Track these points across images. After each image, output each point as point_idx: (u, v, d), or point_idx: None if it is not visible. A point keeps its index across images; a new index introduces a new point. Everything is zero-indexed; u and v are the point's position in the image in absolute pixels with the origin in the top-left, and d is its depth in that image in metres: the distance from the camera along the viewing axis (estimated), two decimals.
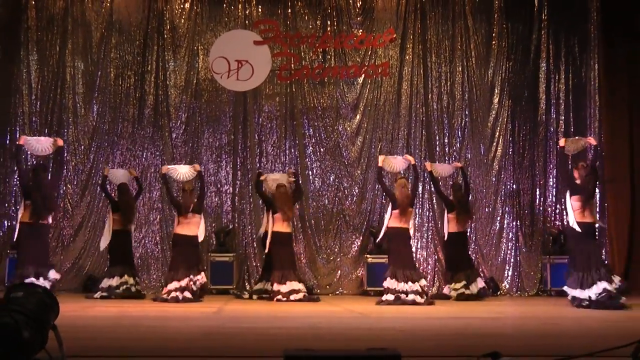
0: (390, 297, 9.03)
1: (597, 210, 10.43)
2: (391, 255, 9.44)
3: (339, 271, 11.65)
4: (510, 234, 11.68)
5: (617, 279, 8.42)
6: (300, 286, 9.71)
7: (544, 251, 11.48)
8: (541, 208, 11.75)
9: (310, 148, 12.02)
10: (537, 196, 11.77)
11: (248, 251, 11.64)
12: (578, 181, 8.73)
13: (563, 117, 11.96)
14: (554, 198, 11.82)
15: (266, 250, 10.00)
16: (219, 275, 10.81)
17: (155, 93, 11.98)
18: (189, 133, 11.97)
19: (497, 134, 11.98)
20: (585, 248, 8.48)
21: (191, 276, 9.31)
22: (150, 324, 6.61)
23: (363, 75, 12.12)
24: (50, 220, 9.24)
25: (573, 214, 8.54)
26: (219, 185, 11.86)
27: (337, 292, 11.48)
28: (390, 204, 9.48)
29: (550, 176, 11.85)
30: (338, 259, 11.71)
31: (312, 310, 8.46)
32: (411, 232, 9.51)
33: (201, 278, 9.47)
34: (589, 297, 8.31)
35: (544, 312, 8.48)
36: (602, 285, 8.25)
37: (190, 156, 11.90)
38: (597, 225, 9.00)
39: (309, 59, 12.11)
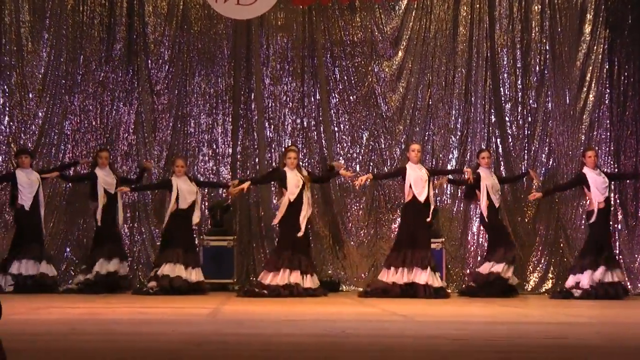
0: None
1: None
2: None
3: (374, 259, 11.66)
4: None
5: None
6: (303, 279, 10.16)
7: None
8: None
9: (337, 96, 11.98)
10: None
11: (253, 233, 11.67)
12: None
13: None
14: None
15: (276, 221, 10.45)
16: (215, 265, 10.85)
17: (128, 23, 11.95)
18: (173, 76, 11.97)
19: (589, 76, 11.86)
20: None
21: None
22: (123, 330, 6.62)
23: None
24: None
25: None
26: (214, 146, 11.88)
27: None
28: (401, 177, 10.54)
29: None
30: (373, 244, 11.73)
31: (337, 310, 8.46)
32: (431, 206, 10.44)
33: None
34: None
35: None
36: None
37: (176, 107, 11.91)
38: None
39: None
